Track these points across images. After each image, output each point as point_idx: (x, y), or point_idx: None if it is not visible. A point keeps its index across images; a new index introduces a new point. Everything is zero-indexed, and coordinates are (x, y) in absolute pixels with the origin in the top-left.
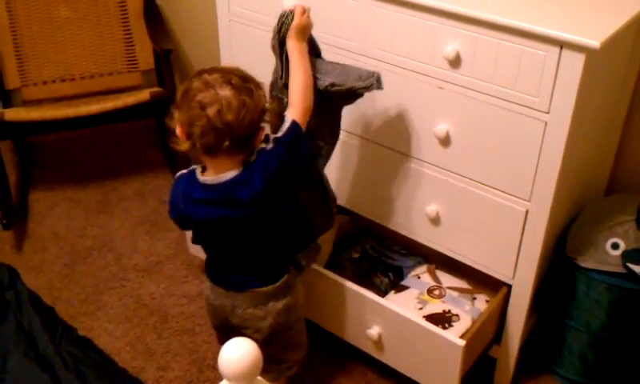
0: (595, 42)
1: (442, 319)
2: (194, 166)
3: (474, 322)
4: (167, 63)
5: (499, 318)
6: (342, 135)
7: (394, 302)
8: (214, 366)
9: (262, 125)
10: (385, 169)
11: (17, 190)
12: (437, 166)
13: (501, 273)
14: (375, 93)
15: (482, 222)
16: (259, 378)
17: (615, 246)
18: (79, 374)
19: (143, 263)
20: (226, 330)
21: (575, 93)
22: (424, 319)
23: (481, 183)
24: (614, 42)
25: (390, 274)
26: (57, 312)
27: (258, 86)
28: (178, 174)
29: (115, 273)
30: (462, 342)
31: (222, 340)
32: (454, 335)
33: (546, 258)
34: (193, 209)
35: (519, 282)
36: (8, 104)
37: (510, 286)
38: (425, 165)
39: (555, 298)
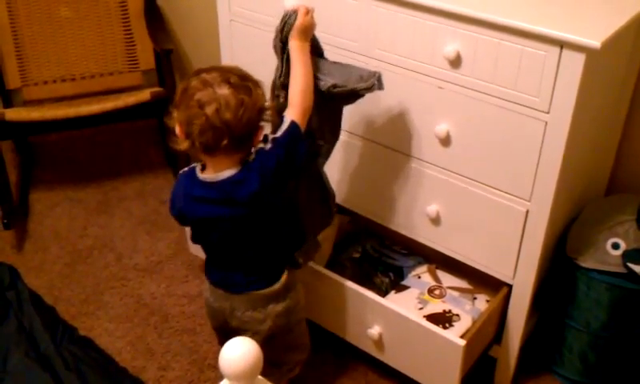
0: (596, 42)
1: (443, 319)
2: (194, 165)
3: (474, 322)
4: (168, 63)
5: (499, 317)
6: (343, 135)
7: (394, 301)
8: (215, 366)
9: (262, 124)
10: (385, 169)
11: (17, 190)
12: (437, 166)
13: (501, 273)
14: (376, 93)
15: (482, 221)
16: (260, 377)
17: (615, 246)
18: (80, 373)
19: (144, 263)
20: (225, 333)
21: (575, 93)
22: (424, 319)
23: (481, 183)
24: (614, 42)
25: (391, 274)
26: (57, 312)
27: (257, 84)
28: (180, 171)
29: (116, 272)
30: (463, 342)
31: (222, 342)
32: (455, 335)
33: (546, 257)
34: (192, 207)
35: (519, 282)
36: (9, 104)
37: (510, 286)
38: (425, 165)
39: (555, 298)
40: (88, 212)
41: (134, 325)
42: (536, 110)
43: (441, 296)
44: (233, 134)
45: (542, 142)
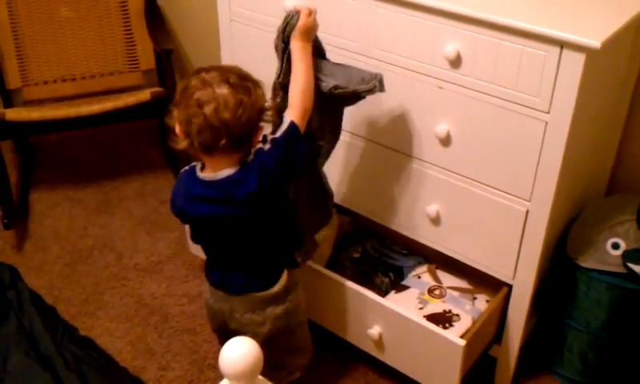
0: (596, 42)
1: (443, 319)
2: (194, 163)
3: (474, 322)
4: (168, 63)
5: (499, 317)
6: (343, 135)
7: (394, 301)
8: (215, 366)
9: (261, 124)
10: (385, 168)
11: (18, 190)
12: (437, 166)
13: (501, 273)
14: (376, 93)
15: (482, 221)
16: (260, 377)
17: (616, 246)
18: (80, 373)
19: (144, 263)
20: (224, 334)
21: (575, 93)
22: (424, 319)
23: (481, 183)
24: (614, 42)
25: (391, 274)
26: (58, 312)
27: (257, 84)
28: (182, 170)
29: (116, 272)
30: (463, 342)
31: (222, 343)
32: (455, 335)
33: (546, 257)
34: (192, 205)
35: (519, 282)
36: (9, 104)
37: (510, 286)
38: (425, 165)
39: (555, 298)
40: (88, 212)
41: (134, 325)
42: (536, 109)
43: (441, 296)
44: (231, 133)
45: (542, 142)
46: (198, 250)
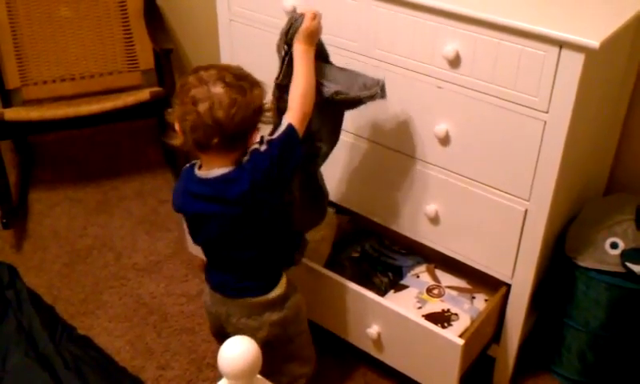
0: (594, 42)
1: (441, 318)
2: (194, 161)
3: (472, 322)
4: (167, 63)
5: (498, 317)
6: (342, 135)
7: (393, 301)
8: (214, 365)
9: (258, 125)
10: (384, 168)
11: (17, 190)
12: (436, 166)
13: (500, 272)
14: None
15: (481, 221)
16: (259, 376)
17: (614, 246)
18: (79, 372)
19: (143, 262)
20: (222, 338)
21: (574, 92)
22: (423, 318)
23: (480, 183)
24: (613, 42)
25: (390, 274)
26: (57, 311)
27: (255, 85)
28: (184, 167)
29: (115, 272)
30: (461, 341)
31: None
32: (453, 334)
33: (545, 257)
34: (189, 202)
35: (518, 282)
36: (8, 104)
37: (509, 286)
38: (424, 164)
39: (554, 298)
40: (87, 212)
41: (133, 324)
42: (535, 109)
43: (439, 295)
44: (224, 132)
45: (541, 141)
46: (196, 250)
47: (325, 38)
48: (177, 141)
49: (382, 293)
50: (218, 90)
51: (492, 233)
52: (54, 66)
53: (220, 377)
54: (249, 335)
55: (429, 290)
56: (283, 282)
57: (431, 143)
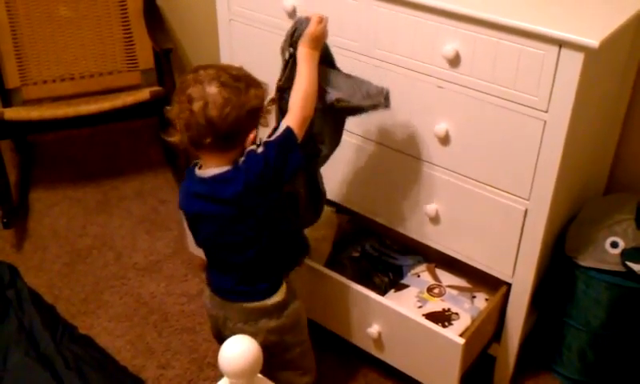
0: (594, 42)
1: (442, 318)
2: (196, 161)
3: (473, 321)
4: (167, 62)
5: (499, 316)
6: (343, 134)
7: (393, 300)
8: (214, 364)
9: (257, 126)
10: (384, 168)
11: (17, 189)
12: (436, 165)
13: (500, 271)
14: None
15: (481, 220)
16: (259, 375)
17: (614, 245)
18: (80, 372)
19: (143, 262)
20: (222, 341)
21: (574, 92)
22: (424, 318)
23: (480, 182)
24: (612, 41)
25: (390, 273)
26: (57, 310)
27: (252, 85)
28: (188, 167)
29: (115, 272)
30: (462, 341)
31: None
32: (454, 334)
33: (545, 256)
34: (189, 201)
35: (518, 281)
36: (8, 103)
37: (509, 285)
38: (424, 164)
39: (554, 297)
40: (87, 211)
41: (133, 324)
42: (535, 109)
43: (440, 295)
44: (217, 132)
45: (541, 141)
46: (197, 249)
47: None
48: (174, 138)
49: (383, 292)
50: (212, 89)
51: (492, 232)
52: (53, 66)
53: (221, 376)
54: None
55: (429, 290)
56: (283, 288)
57: (431, 143)
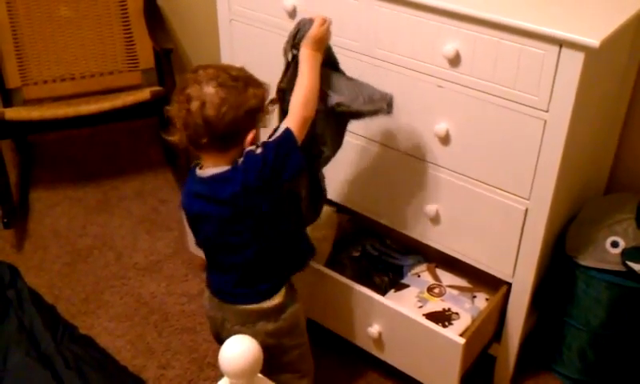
0: (594, 41)
1: (442, 317)
2: (197, 161)
3: (473, 321)
4: (167, 62)
5: (499, 316)
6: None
7: (394, 300)
8: (215, 364)
9: (256, 126)
10: (385, 167)
11: (17, 189)
12: (437, 165)
13: (500, 271)
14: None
15: (481, 220)
16: (259, 375)
17: (615, 245)
18: (80, 372)
19: (143, 262)
20: (221, 342)
21: (574, 91)
22: (424, 317)
23: (480, 182)
24: (613, 41)
25: (390, 273)
26: (58, 310)
27: (252, 85)
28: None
29: (116, 272)
30: (462, 340)
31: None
32: (454, 333)
33: (545, 256)
34: (190, 202)
35: (519, 281)
36: (8, 103)
37: (509, 285)
38: (425, 163)
39: (555, 297)
40: (88, 211)
41: (133, 323)
42: (535, 108)
43: (440, 294)
44: (214, 132)
45: (541, 140)
46: (197, 249)
47: None
48: (174, 137)
49: (383, 292)
50: (209, 89)
51: (492, 232)
52: (54, 66)
53: (221, 376)
54: None
55: (429, 289)
56: (282, 291)
57: (432, 142)
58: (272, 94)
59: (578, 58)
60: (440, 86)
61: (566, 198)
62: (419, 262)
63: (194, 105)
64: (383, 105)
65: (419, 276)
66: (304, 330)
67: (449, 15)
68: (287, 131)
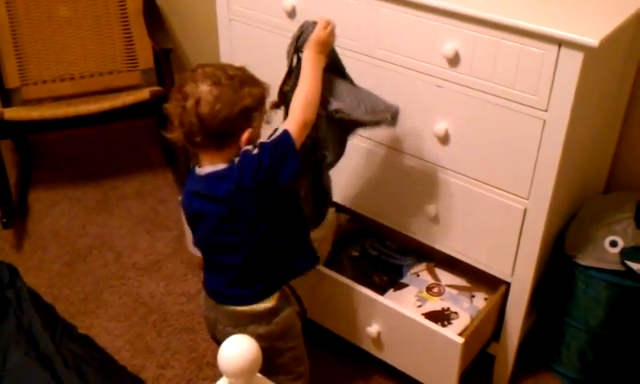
0: (594, 41)
1: (441, 317)
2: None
3: (472, 320)
4: (167, 62)
5: (498, 315)
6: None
7: (393, 299)
8: (214, 364)
9: (252, 125)
10: (384, 167)
11: (17, 189)
12: (436, 165)
13: (499, 271)
14: (374, 91)
15: (480, 220)
16: (258, 374)
17: (614, 244)
18: (79, 371)
19: (143, 262)
20: (217, 342)
21: (573, 91)
22: (423, 317)
23: (479, 181)
24: (612, 41)
25: (390, 272)
26: (57, 310)
27: (248, 83)
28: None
29: (115, 271)
30: (461, 340)
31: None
32: (453, 333)
33: (544, 255)
34: (189, 200)
35: (518, 280)
36: (8, 103)
37: (508, 284)
38: (424, 163)
39: (554, 296)
40: (87, 211)
41: (133, 323)
42: (534, 108)
43: (439, 294)
44: (208, 130)
45: (541, 140)
46: (196, 249)
47: None
48: (173, 135)
49: (382, 291)
50: (204, 87)
51: (491, 231)
52: (53, 66)
53: (220, 376)
54: None
55: (428, 289)
56: (276, 295)
57: (431, 142)
58: (273, 93)
59: (577, 57)
60: (439, 86)
61: (565, 198)
62: (418, 262)
63: (189, 103)
64: (387, 116)
65: (418, 275)
66: (298, 333)
67: (448, 15)
68: (285, 133)
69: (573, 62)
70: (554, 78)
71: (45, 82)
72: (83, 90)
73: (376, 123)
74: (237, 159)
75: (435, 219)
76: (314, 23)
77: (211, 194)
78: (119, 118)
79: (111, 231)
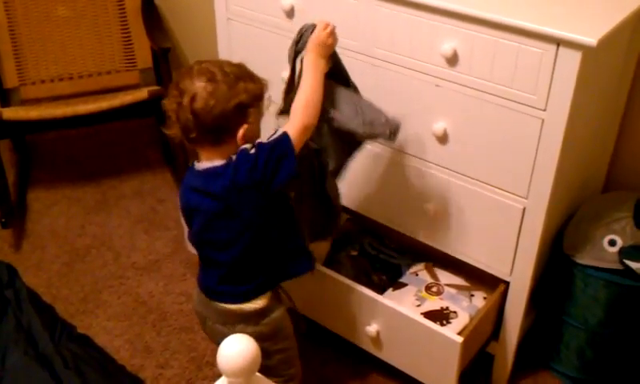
0: (592, 40)
1: (440, 316)
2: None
3: (471, 319)
4: (165, 62)
5: (497, 314)
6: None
7: (392, 299)
8: (213, 364)
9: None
10: (383, 167)
11: (15, 189)
12: (434, 164)
13: (498, 270)
14: (374, 91)
15: (479, 219)
16: (258, 374)
17: (612, 243)
18: (79, 371)
19: (142, 261)
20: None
21: (572, 90)
22: (422, 316)
23: (478, 181)
24: (610, 40)
25: (389, 272)
26: (56, 310)
27: (243, 79)
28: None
29: (114, 271)
30: (460, 339)
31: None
32: (452, 332)
33: (543, 255)
34: (187, 195)
35: (517, 279)
36: (6, 103)
37: (507, 283)
38: (422, 162)
39: (553, 295)
40: (86, 211)
41: (132, 323)
42: (533, 107)
43: (438, 293)
44: (202, 125)
45: (539, 139)
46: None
47: None
48: (171, 131)
49: (381, 291)
50: (199, 83)
51: (490, 231)
52: (52, 65)
53: (219, 375)
54: (222, 341)
55: (427, 288)
56: (267, 295)
57: (429, 141)
58: (271, 90)
59: (576, 56)
60: (438, 86)
61: (564, 197)
62: (417, 261)
63: (185, 98)
64: (386, 131)
65: (417, 275)
66: (289, 335)
67: (447, 14)
68: (284, 136)
69: (571, 62)
70: (552, 77)
71: (43, 81)
72: (82, 90)
73: (373, 136)
74: (234, 156)
75: (434, 218)
76: (313, 26)
77: (208, 189)
78: (118, 118)
79: (110, 231)
